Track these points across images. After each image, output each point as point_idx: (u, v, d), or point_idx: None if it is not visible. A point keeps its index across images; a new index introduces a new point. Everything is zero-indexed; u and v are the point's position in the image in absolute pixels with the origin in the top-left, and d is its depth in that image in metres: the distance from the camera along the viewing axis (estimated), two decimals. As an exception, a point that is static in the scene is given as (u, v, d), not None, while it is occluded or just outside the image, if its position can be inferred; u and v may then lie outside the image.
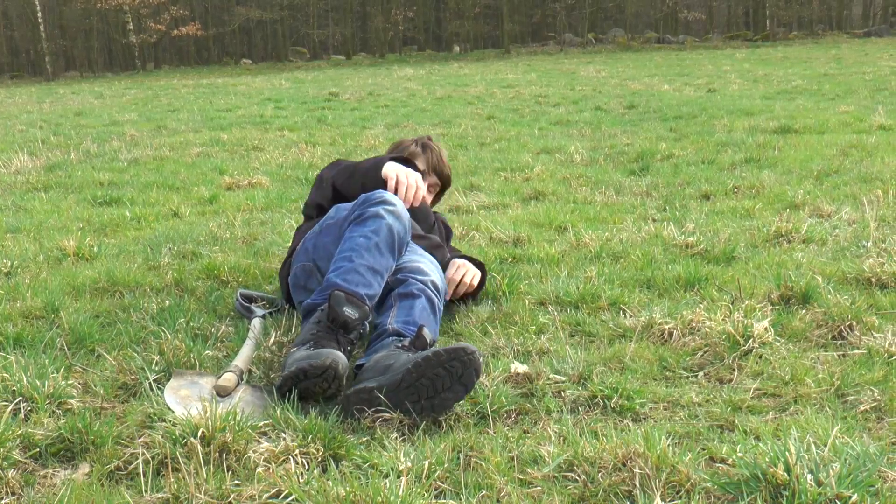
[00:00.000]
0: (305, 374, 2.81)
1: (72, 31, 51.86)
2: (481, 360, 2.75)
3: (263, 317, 3.64)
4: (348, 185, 3.84)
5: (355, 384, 2.82)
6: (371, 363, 2.88)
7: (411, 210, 3.78)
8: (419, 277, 3.36)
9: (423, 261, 3.49)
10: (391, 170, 3.66)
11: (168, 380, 2.96)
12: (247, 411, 2.72)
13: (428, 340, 2.95)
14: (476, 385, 2.76)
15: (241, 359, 3.14)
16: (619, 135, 9.98)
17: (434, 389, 2.68)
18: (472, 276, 3.82)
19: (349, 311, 3.04)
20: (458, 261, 3.87)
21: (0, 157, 9.12)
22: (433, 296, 3.32)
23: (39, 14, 45.85)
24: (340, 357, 2.85)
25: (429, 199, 4.26)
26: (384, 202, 3.39)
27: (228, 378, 2.94)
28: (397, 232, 3.34)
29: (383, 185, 3.64)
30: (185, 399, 2.80)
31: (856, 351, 3.15)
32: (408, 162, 3.81)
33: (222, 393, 2.88)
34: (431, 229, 4.10)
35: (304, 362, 2.82)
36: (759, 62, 25.56)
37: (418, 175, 3.70)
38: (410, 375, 2.68)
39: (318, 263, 3.53)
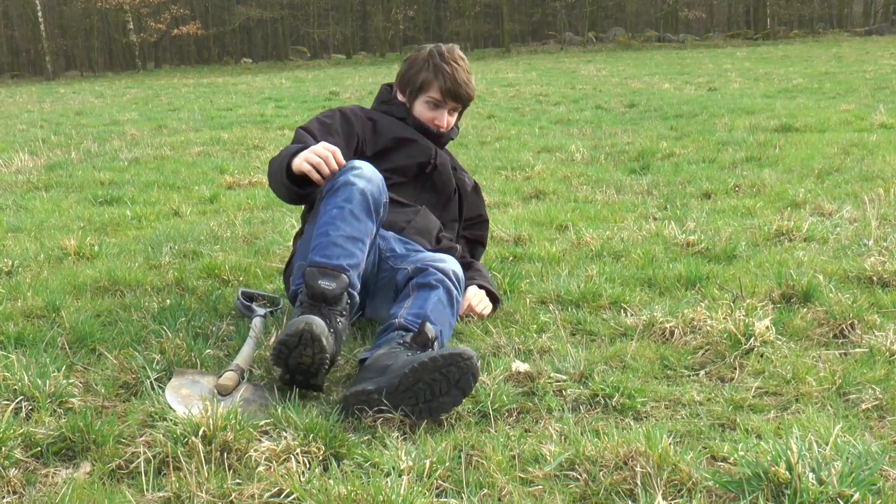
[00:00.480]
0: (285, 345, 2.82)
1: (72, 31, 51.89)
2: (479, 364, 2.74)
3: (264, 316, 3.64)
4: (280, 194, 3.63)
5: (355, 384, 2.82)
6: (371, 360, 2.88)
7: (431, 178, 3.89)
8: (439, 266, 3.32)
9: (445, 256, 3.45)
10: (299, 162, 3.38)
11: (169, 379, 2.96)
12: (248, 410, 2.72)
13: (430, 337, 2.94)
14: (476, 385, 2.75)
15: (242, 358, 3.13)
16: (619, 133, 9.98)
17: (431, 393, 2.67)
18: (482, 307, 3.70)
19: (325, 284, 3.03)
20: (473, 289, 3.71)
21: (1, 157, 9.13)
22: (452, 287, 3.28)
23: (40, 13, 45.86)
24: (313, 319, 2.84)
25: (451, 122, 4.05)
26: (352, 168, 3.31)
27: (229, 377, 2.94)
28: (370, 193, 3.25)
29: (301, 182, 3.45)
30: (186, 398, 2.80)
31: (857, 349, 3.15)
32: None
33: (223, 392, 2.88)
34: (449, 202, 4.02)
35: (281, 334, 2.86)
36: (759, 61, 25.57)
37: (321, 144, 3.41)
38: (407, 379, 2.68)
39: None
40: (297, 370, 2.85)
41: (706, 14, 53.27)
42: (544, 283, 4.10)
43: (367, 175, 3.30)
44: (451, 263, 3.37)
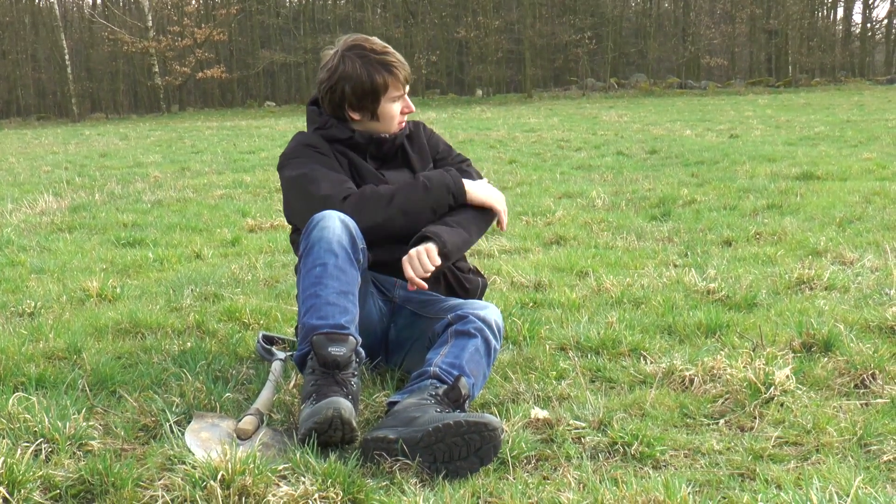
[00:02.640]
0: (316, 433, 2.80)
1: (98, 74, 52.44)
2: (502, 437, 2.74)
3: (284, 360, 3.63)
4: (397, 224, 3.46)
5: (377, 429, 2.82)
6: (400, 408, 2.88)
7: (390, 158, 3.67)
8: (479, 314, 3.25)
9: (488, 304, 3.40)
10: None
11: (188, 422, 2.97)
12: (267, 454, 2.72)
13: (463, 394, 2.93)
14: (495, 457, 2.73)
15: (262, 402, 3.14)
16: (640, 180, 9.99)
17: (450, 456, 2.67)
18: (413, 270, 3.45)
19: (335, 350, 2.99)
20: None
21: (26, 198, 9.22)
22: (490, 337, 3.22)
23: (67, 57, 46.44)
24: (341, 403, 2.83)
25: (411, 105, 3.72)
26: (317, 222, 3.21)
27: (249, 421, 2.95)
28: (346, 241, 3.18)
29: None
30: (206, 442, 2.80)
31: (879, 400, 3.13)
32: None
33: (243, 436, 2.89)
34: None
35: (310, 422, 2.82)
36: (781, 108, 25.58)
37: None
38: (430, 437, 2.67)
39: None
40: (323, 445, 2.83)
41: (728, 61, 53.38)
42: (564, 329, 4.10)
43: (333, 224, 3.20)
44: (492, 312, 3.31)
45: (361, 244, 3.27)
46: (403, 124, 3.72)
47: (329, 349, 2.98)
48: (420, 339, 3.43)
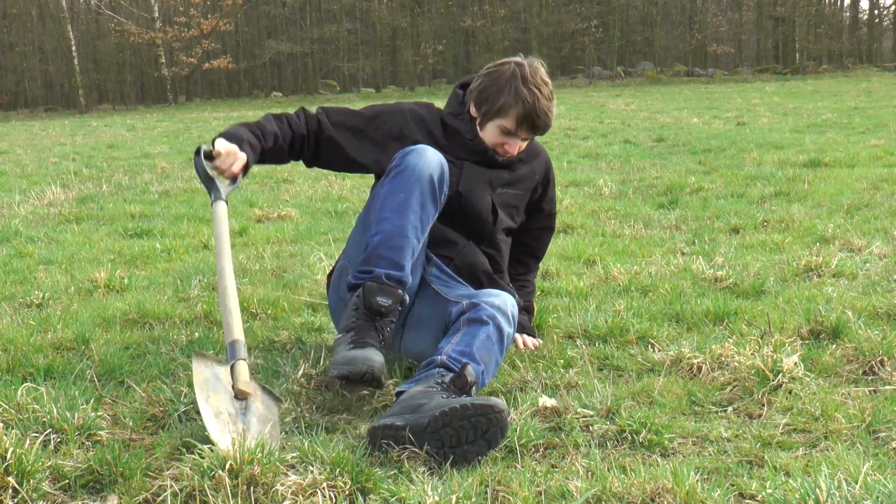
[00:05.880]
0: (347, 379, 3.03)
1: (105, 65, 52.52)
2: (509, 419, 2.74)
3: (226, 199, 3.59)
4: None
5: (384, 417, 2.82)
6: (407, 395, 2.89)
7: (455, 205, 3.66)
8: (492, 301, 3.26)
9: (501, 292, 3.39)
10: (218, 143, 3.57)
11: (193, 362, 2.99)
12: (263, 430, 2.76)
13: (469, 381, 2.93)
14: (502, 440, 2.73)
15: (236, 327, 3.09)
16: (647, 168, 9.97)
17: (458, 440, 2.67)
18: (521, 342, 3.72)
19: (382, 301, 3.16)
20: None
21: (34, 190, 9.23)
22: (503, 323, 3.22)
23: (74, 48, 46.47)
24: (376, 362, 3.00)
25: (522, 147, 3.72)
26: (415, 150, 3.34)
27: (242, 375, 2.93)
28: (437, 176, 3.30)
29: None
30: (219, 415, 2.78)
31: (887, 387, 3.13)
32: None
33: (242, 397, 2.89)
34: (493, 235, 3.75)
35: (345, 369, 2.99)
36: (788, 95, 25.52)
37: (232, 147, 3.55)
38: (436, 422, 2.68)
39: (351, 264, 3.49)
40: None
41: (735, 49, 53.27)
42: (572, 317, 4.10)
43: (434, 160, 3.32)
44: (505, 298, 3.31)
45: (446, 186, 3.37)
46: (508, 153, 3.69)
47: (377, 298, 3.16)
48: (437, 320, 3.42)
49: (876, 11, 54.45)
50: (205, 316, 4.28)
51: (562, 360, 3.51)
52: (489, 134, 3.64)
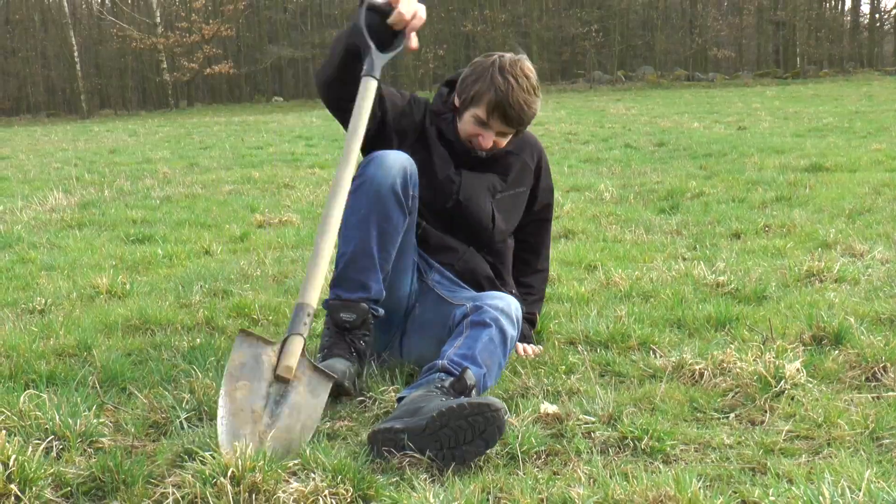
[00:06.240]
0: None
1: (107, 70, 52.50)
2: (506, 418, 2.73)
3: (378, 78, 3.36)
4: (330, 76, 3.48)
5: (386, 421, 2.83)
6: (407, 401, 2.89)
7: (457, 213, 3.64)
8: (496, 304, 3.26)
9: (505, 295, 3.40)
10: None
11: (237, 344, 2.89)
12: (290, 426, 2.77)
13: (468, 385, 2.94)
14: (502, 437, 2.73)
15: (310, 287, 2.99)
16: (648, 172, 9.98)
17: (456, 441, 2.67)
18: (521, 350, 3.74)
19: (346, 316, 3.28)
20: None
21: (36, 195, 9.24)
22: (506, 325, 3.21)
23: (76, 54, 46.57)
24: (337, 369, 3.10)
25: (500, 144, 3.66)
26: (375, 159, 3.31)
27: (291, 356, 2.86)
28: (399, 185, 3.28)
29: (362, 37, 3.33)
30: (238, 413, 2.76)
31: (890, 393, 3.12)
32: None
33: (286, 376, 2.84)
34: (492, 241, 3.75)
35: None
36: (789, 99, 25.51)
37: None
38: (434, 423, 2.68)
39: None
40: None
41: (735, 53, 53.25)
42: (573, 323, 4.10)
43: (389, 165, 3.29)
44: (509, 301, 3.31)
45: (413, 190, 3.37)
46: (481, 146, 3.63)
47: (341, 315, 3.28)
48: (440, 323, 3.42)
49: (877, 15, 54.46)
50: (206, 322, 4.28)
51: (563, 367, 3.51)
52: (465, 124, 3.61)
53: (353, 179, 3.28)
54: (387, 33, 3.36)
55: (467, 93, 3.57)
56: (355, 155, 3.18)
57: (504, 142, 3.67)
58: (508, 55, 3.59)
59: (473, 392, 2.97)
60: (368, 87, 3.28)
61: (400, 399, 3.00)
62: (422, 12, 3.34)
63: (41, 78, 51.76)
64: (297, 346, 2.88)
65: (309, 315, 2.95)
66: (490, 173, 3.74)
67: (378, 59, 3.32)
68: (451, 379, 2.98)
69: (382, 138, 3.58)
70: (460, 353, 3.13)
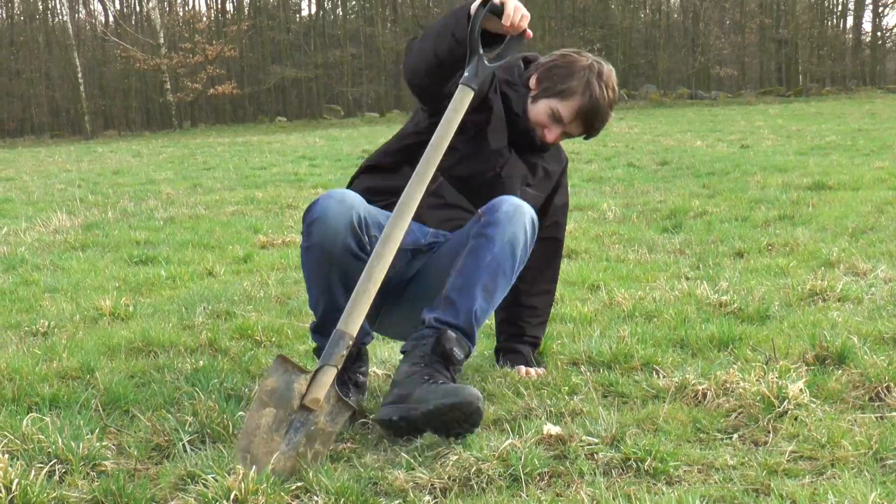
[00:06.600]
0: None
1: (111, 91, 52.68)
2: (481, 404, 2.90)
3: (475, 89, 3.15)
4: (422, 65, 3.28)
5: (385, 406, 3.03)
6: (396, 377, 3.08)
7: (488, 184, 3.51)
8: (509, 204, 3.19)
9: (511, 198, 3.27)
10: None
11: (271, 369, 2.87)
12: (303, 452, 2.79)
13: (448, 348, 3.07)
14: (481, 420, 2.94)
15: (353, 315, 2.91)
16: (651, 191, 9.99)
17: (447, 429, 2.90)
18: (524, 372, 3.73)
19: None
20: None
21: (40, 217, 9.25)
22: (520, 232, 3.17)
23: (80, 75, 46.76)
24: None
25: (559, 140, 3.59)
26: (315, 219, 3.16)
27: (319, 388, 2.83)
28: (350, 238, 3.16)
29: (466, 31, 3.09)
30: (255, 434, 2.77)
31: (894, 413, 3.11)
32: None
33: (315, 406, 2.83)
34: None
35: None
36: (792, 117, 25.53)
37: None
38: (424, 419, 2.90)
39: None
40: None
41: (738, 71, 53.33)
42: (576, 343, 4.09)
43: (333, 222, 3.14)
44: (517, 202, 3.23)
45: (371, 231, 3.21)
46: (545, 138, 3.54)
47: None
48: (434, 285, 3.33)
49: (879, 33, 54.56)
50: (209, 344, 4.28)
51: (566, 387, 3.50)
52: (538, 111, 3.49)
53: (302, 236, 3.24)
54: (487, 38, 3.18)
55: (555, 85, 3.46)
56: (433, 170, 3.04)
57: (562, 140, 3.63)
58: (604, 63, 3.52)
59: (457, 350, 3.10)
60: (464, 99, 3.11)
61: (404, 351, 3.18)
62: (526, 14, 3.15)
63: (45, 99, 51.93)
64: (328, 377, 2.84)
65: (347, 346, 2.88)
66: (528, 163, 3.65)
67: (483, 69, 3.14)
68: (431, 342, 3.09)
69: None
70: (456, 284, 3.15)
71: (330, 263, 3.19)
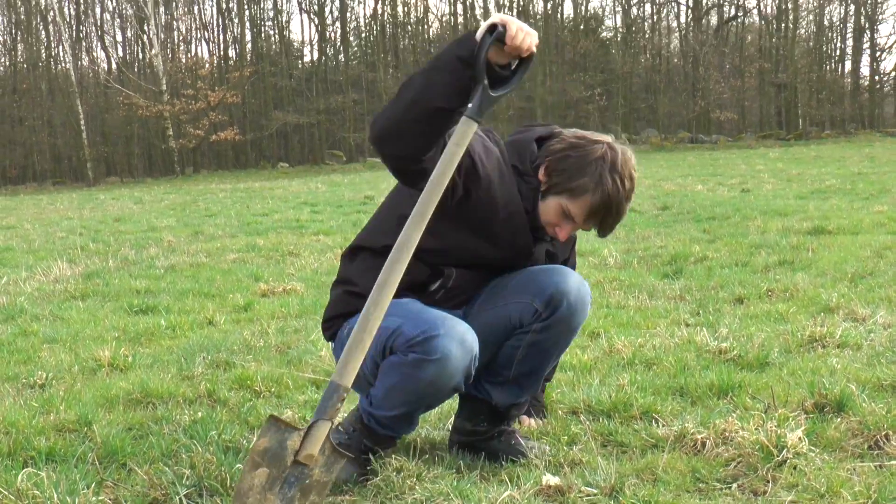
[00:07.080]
0: None
1: (113, 138, 52.93)
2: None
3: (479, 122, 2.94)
4: (405, 118, 2.91)
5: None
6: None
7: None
8: (560, 290, 3.26)
9: (565, 269, 3.34)
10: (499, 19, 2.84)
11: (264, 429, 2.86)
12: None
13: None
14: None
15: (347, 368, 2.85)
16: (652, 237, 10.00)
17: None
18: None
19: (373, 446, 3.31)
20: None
21: (40, 266, 9.26)
22: (573, 320, 3.31)
23: (82, 121, 47.01)
24: (351, 473, 3.18)
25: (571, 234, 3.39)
26: (437, 359, 3.04)
27: (313, 444, 2.82)
28: (461, 378, 3.14)
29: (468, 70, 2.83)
30: (251, 497, 2.75)
31: (893, 462, 3.11)
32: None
33: (309, 462, 2.82)
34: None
35: None
36: (792, 161, 25.60)
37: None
38: None
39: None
40: None
41: (738, 115, 53.56)
42: (575, 392, 4.09)
43: (454, 367, 3.05)
44: (571, 282, 3.28)
45: (475, 364, 3.14)
46: (556, 236, 3.34)
47: (373, 443, 3.29)
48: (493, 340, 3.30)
49: (876, 77, 54.86)
50: (208, 395, 4.27)
51: (566, 437, 3.50)
52: (548, 210, 3.26)
53: (410, 356, 3.04)
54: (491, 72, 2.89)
55: (565, 179, 3.20)
56: (431, 211, 2.82)
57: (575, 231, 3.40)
58: (619, 148, 3.25)
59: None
60: (467, 132, 2.86)
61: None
62: (532, 32, 2.86)
63: (47, 146, 52.16)
64: (322, 431, 2.81)
65: (342, 399, 2.81)
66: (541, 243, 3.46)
67: (487, 100, 2.88)
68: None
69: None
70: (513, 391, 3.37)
71: (433, 398, 3.22)
